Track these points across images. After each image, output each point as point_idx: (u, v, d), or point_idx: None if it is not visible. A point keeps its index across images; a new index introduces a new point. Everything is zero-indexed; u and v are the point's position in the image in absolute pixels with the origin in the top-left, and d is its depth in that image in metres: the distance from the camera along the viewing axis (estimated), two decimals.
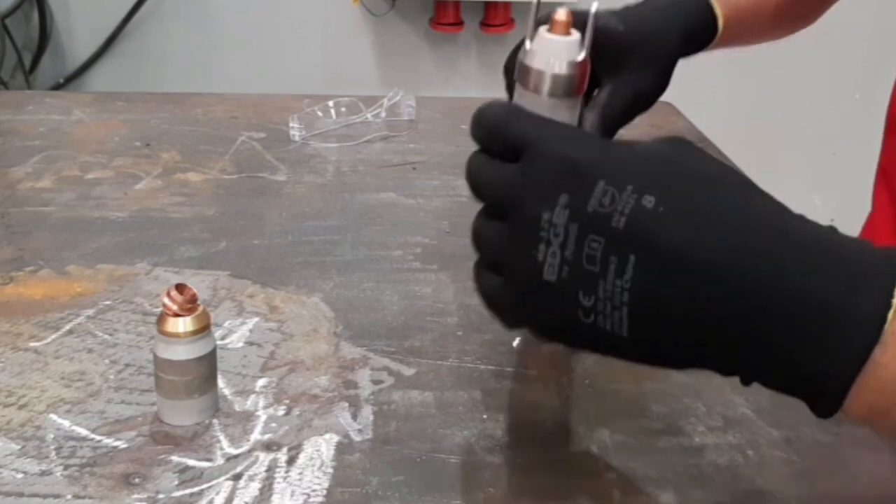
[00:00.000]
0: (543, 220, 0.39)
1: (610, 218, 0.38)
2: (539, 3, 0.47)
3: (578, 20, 0.46)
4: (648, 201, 0.37)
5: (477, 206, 0.44)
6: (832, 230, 0.38)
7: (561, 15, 0.46)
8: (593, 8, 0.47)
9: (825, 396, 0.37)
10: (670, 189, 0.38)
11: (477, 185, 0.43)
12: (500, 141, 0.42)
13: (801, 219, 0.38)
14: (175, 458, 0.50)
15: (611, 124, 0.66)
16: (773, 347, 0.37)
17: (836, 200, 2.29)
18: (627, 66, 0.66)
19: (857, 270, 0.36)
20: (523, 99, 0.47)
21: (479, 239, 0.43)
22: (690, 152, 0.41)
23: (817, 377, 0.37)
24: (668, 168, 0.39)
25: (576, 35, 0.46)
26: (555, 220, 0.39)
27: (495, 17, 2.26)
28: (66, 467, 0.49)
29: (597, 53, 0.57)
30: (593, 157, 0.39)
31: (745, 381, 0.40)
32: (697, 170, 0.40)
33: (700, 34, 0.73)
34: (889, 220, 0.77)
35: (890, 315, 0.35)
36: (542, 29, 0.47)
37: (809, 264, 0.36)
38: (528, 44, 0.47)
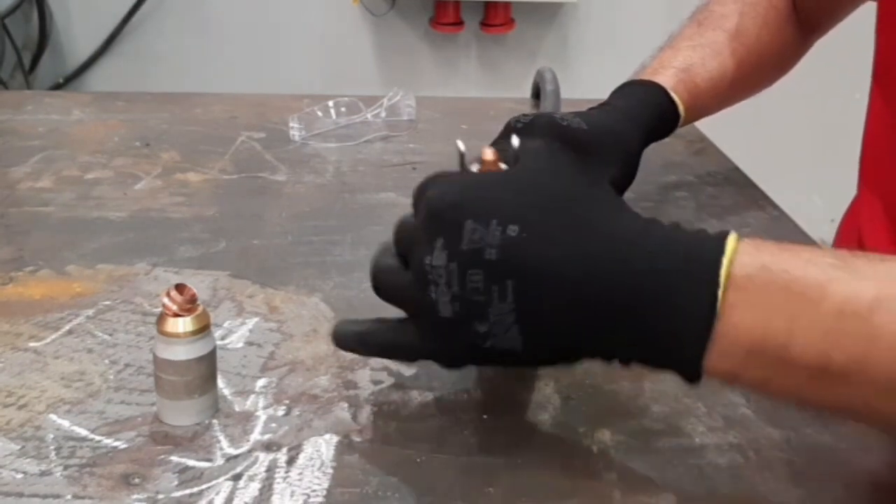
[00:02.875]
0: (426, 264, 0.45)
1: (482, 252, 0.43)
2: (462, 153, 0.52)
3: (506, 156, 0.51)
4: (513, 230, 0.43)
5: None
6: (675, 226, 0.45)
7: (488, 154, 0.50)
8: (515, 142, 0.51)
9: (685, 367, 0.44)
10: (528, 217, 0.44)
11: (397, 239, 0.52)
12: (414, 199, 0.50)
13: (639, 224, 0.45)
14: (175, 458, 0.50)
15: None
16: (633, 337, 0.44)
17: (836, 200, 2.28)
18: (593, 161, 0.69)
19: (689, 259, 0.43)
20: None
21: (385, 288, 0.52)
22: (546, 172, 0.47)
23: (672, 353, 0.44)
24: (525, 197, 0.45)
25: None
26: (435, 263, 0.44)
27: (495, 17, 2.26)
28: (66, 467, 0.49)
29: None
30: (458, 201, 0.45)
31: (624, 364, 0.46)
32: (553, 192, 0.45)
33: (662, 124, 0.76)
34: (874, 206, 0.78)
35: (720, 293, 0.42)
36: (473, 168, 0.51)
37: (647, 265, 0.43)
38: None
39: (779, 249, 0.44)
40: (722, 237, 0.44)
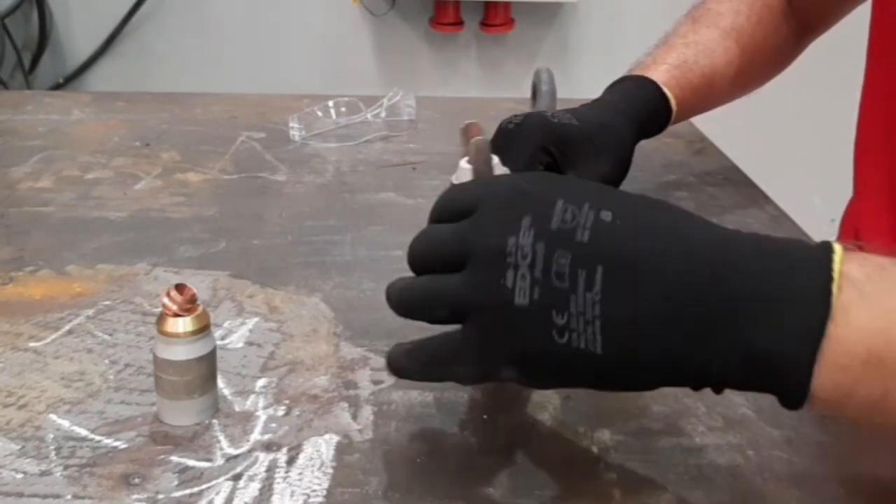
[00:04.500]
0: (510, 245, 0.40)
1: (574, 233, 0.39)
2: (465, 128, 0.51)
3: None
4: (606, 216, 0.40)
5: None
6: (765, 237, 0.41)
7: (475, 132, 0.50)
8: (495, 160, 0.50)
9: (791, 380, 0.38)
10: (622, 205, 0.41)
11: (427, 246, 0.45)
12: (450, 208, 0.45)
13: (730, 230, 0.41)
14: (175, 458, 0.50)
15: None
16: (734, 340, 0.38)
17: (836, 201, 2.28)
18: (585, 156, 0.69)
19: (795, 256, 0.39)
20: None
21: (432, 296, 0.44)
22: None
23: (779, 360, 0.38)
24: (609, 190, 0.42)
25: (494, 160, 0.50)
26: (521, 242, 0.40)
27: (495, 17, 2.26)
28: (66, 467, 0.49)
29: (556, 148, 0.66)
30: (546, 183, 0.42)
31: (717, 389, 0.41)
32: (630, 193, 0.43)
33: (654, 118, 0.76)
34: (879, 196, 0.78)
35: (834, 288, 0.38)
36: (462, 162, 0.50)
37: (751, 253, 0.39)
38: (453, 178, 0.52)
39: (890, 258, 0.39)
40: (826, 243, 0.40)
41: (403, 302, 0.45)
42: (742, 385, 0.40)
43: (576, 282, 0.39)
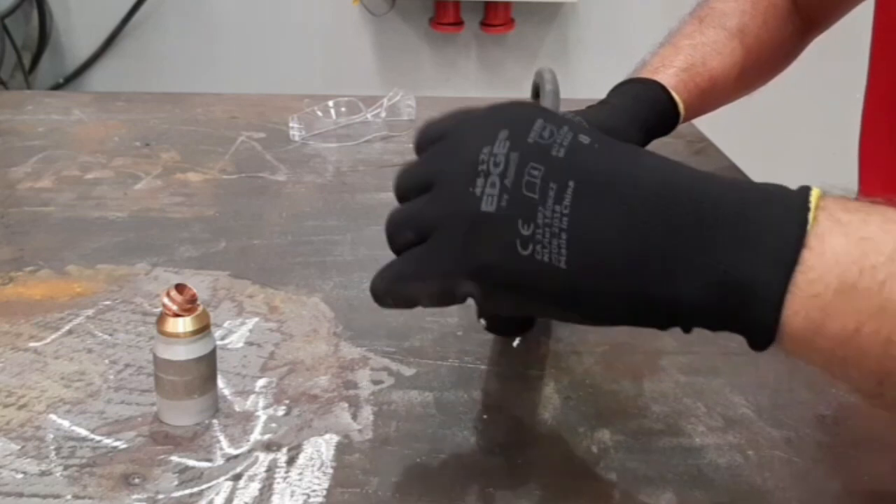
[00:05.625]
0: (483, 153, 0.39)
1: (550, 148, 0.39)
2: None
3: None
4: (584, 139, 0.40)
5: None
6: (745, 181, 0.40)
7: None
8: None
9: (762, 308, 0.37)
10: (601, 136, 0.40)
11: (402, 174, 0.44)
12: (429, 134, 0.44)
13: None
14: (175, 458, 0.50)
15: None
16: (706, 265, 0.37)
17: None
18: None
19: (772, 189, 0.39)
20: None
21: (396, 221, 0.43)
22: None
23: (750, 286, 0.37)
24: (591, 127, 0.42)
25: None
26: (495, 150, 0.39)
27: (495, 17, 2.26)
28: (66, 467, 0.49)
29: None
30: (527, 106, 0.41)
31: (686, 327, 0.40)
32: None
33: (661, 122, 0.76)
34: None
35: (810, 217, 0.37)
36: None
37: (727, 185, 0.39)
38: None
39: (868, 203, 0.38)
40: (805, 186, 0.39)
41: (386, 233, 0.44)
42: (711, 318, 0.39)
43: (546, 194, 0.38)
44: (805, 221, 0.37)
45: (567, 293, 0.39)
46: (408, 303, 0.44)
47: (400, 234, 0.43)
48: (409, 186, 0.43)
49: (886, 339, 0.37)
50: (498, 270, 0.39)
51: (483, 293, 0.41)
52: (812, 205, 0.37)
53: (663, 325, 0.40)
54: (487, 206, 0.39)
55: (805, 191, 0.38)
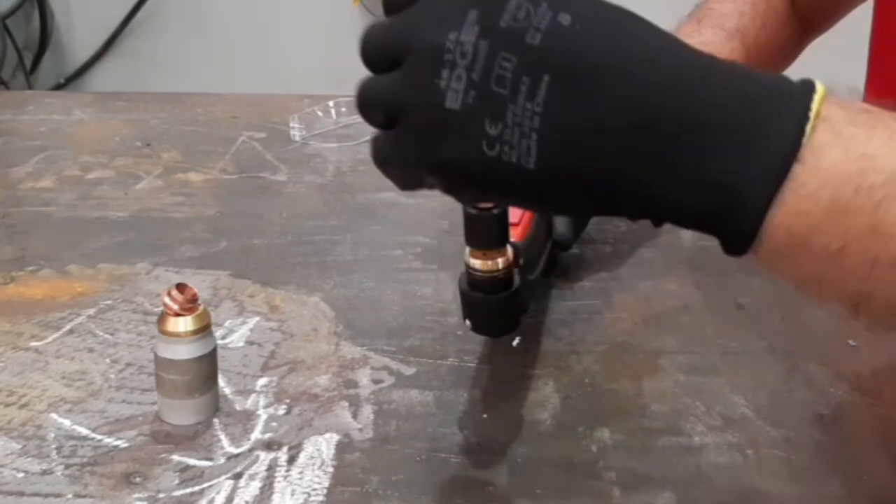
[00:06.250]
0: (449, 40, 0.36)
1: (524, 34, 0.35)
2: None
3: None
4: (565, 19, 0.35)
5: None
6: (747, 67, 0.37)
7: None
8: None
9: (742, 217, 0.35)
10: (585, 9, 0.36)
11: (367, 40, 0.40)
12: (392, 5, 0.39)
13: (708, 53, 0.37)
14: (176, 457, 0.50)
15: (581, 219, 0.69)
16: (691, 163, 0.35)
17: None
18: None
19: (773, 86, 0.36)
20: None
21: (367, 96, 0.40)
22: None
23: (733, 192, 0.35)
24: None
25: None
26: (462, 38, 0.36)
27: None
28: (67, 466, 0.49)
29: None
30: None
31: (657, 221, 0.38)
32: (605, 1, 0.38)
33: None
34: None
35: (808, 128, 0.34)
36: None
37: (724, 80, 0.36)
38: None
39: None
40: (809, 80, 0.36)
41: (357, 106, 0.41)
42: (687, 217, 0.36)
43: (518, 89, 0.35)
44: (802, 133, 0.34)
45: (534, 193, 0.37)
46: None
47: (370, 112, 0.40)
48: (377, 54, 0.40)
49: (873, 261, 0.35)
50: (461, 169, 0.37)
51: (446, 187, 0.39)
52: (813, 112, 0.35)
53: (633, 217, 0.38)
54: (452, 102, 0.36)
55: (808, 92, 0.35)
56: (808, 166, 0.34)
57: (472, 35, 0.35)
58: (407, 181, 0.40)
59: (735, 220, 0.35)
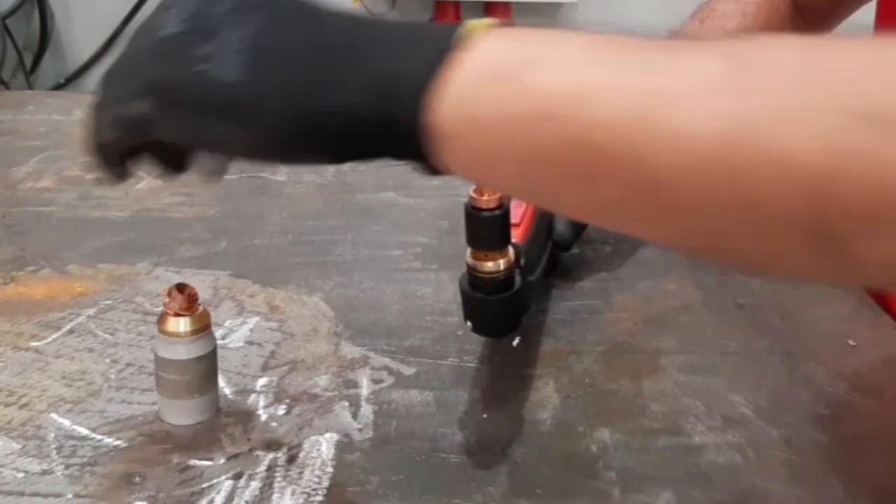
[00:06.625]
0: None
1: None
2: None
3: None
4: None
5: None
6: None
7: None
8: None
9: (405, 104, 0.36)
10: None
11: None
12: None
13: None
14: (175, 457, 0.50)
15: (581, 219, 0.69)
16: (366, 69, 0.38)
17: None
18: None
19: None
20: None
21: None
22: None
23: (395, 82, 0.37)
24: None
25: None
26: None
27: (495, 16, 2.26)
28: (67, 466, 0.49)
29: None
30: None
31: (355, 150, 0.40)
32: None
33: None
34: None
35: (468, 28, 0.37)
36: None
37: (392, 23, 0.40)
38: None
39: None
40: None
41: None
42: (371, 127, 0.38)
43: (231, 22, 0.39)
44: (456, 32, 0.37)
45: (238, 106, 0.39)
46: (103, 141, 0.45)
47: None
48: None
49: (535, 123, 0.35)
50: (169, 85, 0.40)
51: (159, 113, 0.41)
52: (472, 24, 0.37)
53: (334, 151, 0.40)
54: (164, 31, 0.40)
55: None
56: (469, 52, 0.36)
57: None
58: (118, 117, 0.43)
59: (401, 111, 0.37)
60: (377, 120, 0.38)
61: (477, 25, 0.37)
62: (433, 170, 0.38)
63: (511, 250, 0.54)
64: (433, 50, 0.37)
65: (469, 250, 0.54)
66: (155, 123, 0.41)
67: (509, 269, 0.54)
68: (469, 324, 0.56)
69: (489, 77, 0.36)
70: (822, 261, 0.32)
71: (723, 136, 0.31)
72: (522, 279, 0.55)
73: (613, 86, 0.34)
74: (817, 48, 0.33)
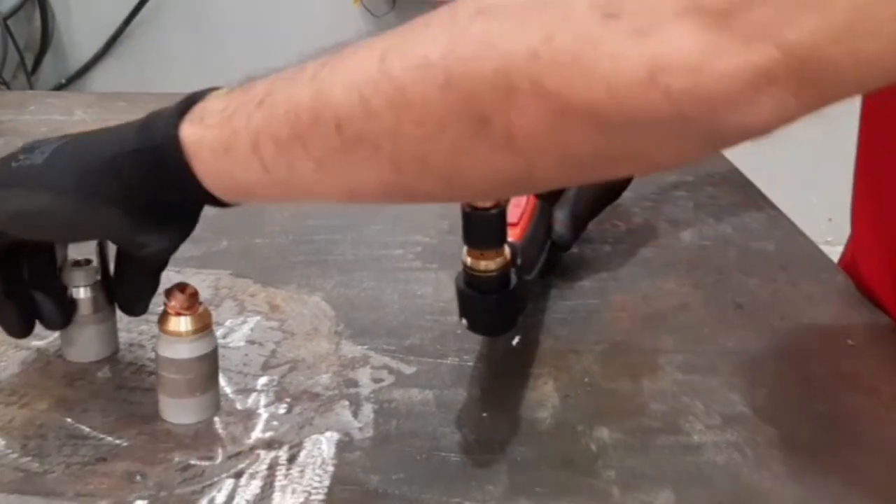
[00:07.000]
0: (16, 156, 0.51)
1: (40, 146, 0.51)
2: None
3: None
4: (64, 140, 0.51)
5: None
6: None
7: None
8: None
9: (159, 128, 0.48)
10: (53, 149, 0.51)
11: None
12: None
13: None
14: (176, 456, 0.50)
15: (580, 219, 0.70)
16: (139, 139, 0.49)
17: (834, 200, 2.28)
18: None
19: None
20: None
21: None
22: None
23: (152, 118, 0.50)
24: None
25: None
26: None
27: None
28: (68, 466, 0.50)
29: None
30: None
31: (134, 195, 0.48)
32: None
33: None
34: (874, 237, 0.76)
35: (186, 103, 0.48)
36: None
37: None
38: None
39: None
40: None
41: None
42: (137, 159, 0.48)
43: (36, 150, 0.50)
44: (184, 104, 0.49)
45: (43, 177, 0.49)
46: None
47: None
48: None
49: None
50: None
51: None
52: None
53: (124, 193, 0.48)
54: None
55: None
56: (205, 104, 0.48)
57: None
58: None
59: (155, 137, 0.48)
60: (141, 150, 0.48)
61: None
62: (216, 200, 0.47)
63: (507, 249, 0.54)
64: (183, 100, 0.49)
65: (465, 248, 0.54)
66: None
67: (505, 267, 0.54)
68: (464, 321, 0.56)
69: (215, 110, 0.46)
70: (484, 144, 0.37)
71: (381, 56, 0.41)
72: (519, 278, 0.55)
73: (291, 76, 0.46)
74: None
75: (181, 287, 0.52)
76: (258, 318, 0.65)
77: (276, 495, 0.48)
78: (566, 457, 0.51)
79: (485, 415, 0.55)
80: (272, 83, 0.46)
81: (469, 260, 0.54)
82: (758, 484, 0.50)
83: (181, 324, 0.51)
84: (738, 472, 0.51)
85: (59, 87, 2.31)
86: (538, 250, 0.64)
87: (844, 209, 0.89)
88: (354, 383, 0.57)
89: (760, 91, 0.33)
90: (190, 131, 0.46)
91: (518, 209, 0.61)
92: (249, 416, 0.54)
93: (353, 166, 0.41)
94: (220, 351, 0.54)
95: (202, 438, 0.52)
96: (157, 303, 0.55)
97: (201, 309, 0.52)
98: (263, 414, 0.54)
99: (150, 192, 0.47)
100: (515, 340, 0.62)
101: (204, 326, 0.52)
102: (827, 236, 0.92)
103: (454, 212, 0.51)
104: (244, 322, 0.64)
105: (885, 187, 0.71)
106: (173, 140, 0.46)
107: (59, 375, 0.57)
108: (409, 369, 0.59)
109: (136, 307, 0.56)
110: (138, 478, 0.49)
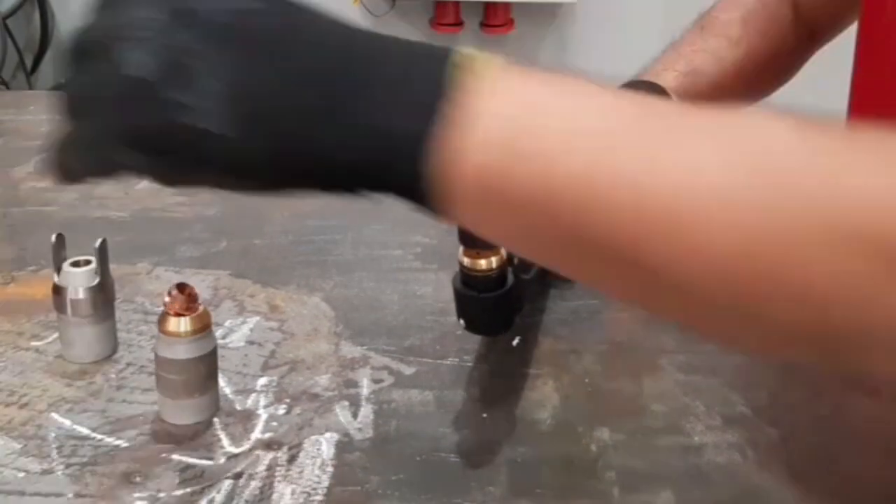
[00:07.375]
0: (125, 17, 0.37)
1: (212, 13, 0.37)
2: None
3: None
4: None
5: None
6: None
7: None
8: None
9: (398, 155, 0.36)
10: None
11: (73, 44, 0.41)
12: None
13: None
14: (176, 456, 0.50)
15: None
16: (353, 117, 0.36)
17: None
18: None
19: (426, 51, 0.37)
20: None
21: (61, 100, 0.40)
22: None
23: (386, 132, 0.36)
24: None
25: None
26: (139, 14, 0.37)
27: (495, 17, 2.26)
28: (68, 466, 0.49)
29: None
30: None
31: (349, 186, 0.39)
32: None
33: None
34: None
35: (449, 73, 0.35)
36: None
37: (381, 46, 0.37)
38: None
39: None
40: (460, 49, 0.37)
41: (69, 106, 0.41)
42: (364, 174, 0.38)
43: (205, 62, 0.36)
44: (443, 75, 0.35)
45: (231, 160, 0.38)
46: (73, 176, 0.41)
47: (63, 113, 0.40)
48: (75, 55, 0.41)
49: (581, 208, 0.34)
50: (154, 137, 0.37)
51: (147, 163, 0.39)
52: (455, 60, 0.36)
53: (325, 186, 0.39)
54: (132, 70, 0.36)
55: (453, 52, 0.36)
56: (464, 109, 0.35)
57: (151, 12, 0.36)
58: (100, 166, 0.40)
59: (395, 164, 0.36)
60: (367, 167, 0.37)
61: (474, 61, 0.36)
62: (435, 213, 0.38)
63: (504, 249, 0.54)
64: (412, 98, 0.36)
65: (461, 248, 0.54)
66: (137, 169, 0.39)
67: (502, 267, 0.54)
68: (462, 321, 0.56)
69: (499, 147, 0.35)
70: (828, 363, 0.34)
71: (743, 250, 0.32)
72: (516, 278, 0.55)
73: (633, 183, 0.34)
74: (823, 152, 0.35)
75: (180, 287, 0.52)
76: (258, 318, 0.64)
77: (276, 496, 0.48)
78: (566, 457, 0.51)
79: (485, 415, 0.55)
80: (590, 168, 0.34)
81: (466, 260, 0.54)
82: (758, 484, 0.50)
83: (180, 324, 0.51)
84: (739, 473, 0.51)
85: (59, 87, 2.31)
86: None
87: None
88: (354, 384, 0.57)
89: None
90: (451, 179, 0.35)
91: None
92: (249, 416, 0.54)
93: (635, 298, 0.37)
94: (220, 351, 0.54)
95: (201, 439, 0.52)
96: (157, 303, 0.54)
97: (200, 309, 0.52)
98: (263, 414, 0.54)
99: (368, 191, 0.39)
100: (515, 341, 0.62)
101: (203, 327, 0.52)
102: None
103: None
104: (244, 322, 0.64)
105: None
106: (413, 172, 0.36)
107: (58, 375, 0.57)
108: (408, 370, 0.59)
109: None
110: (137, 478, 0.49)
